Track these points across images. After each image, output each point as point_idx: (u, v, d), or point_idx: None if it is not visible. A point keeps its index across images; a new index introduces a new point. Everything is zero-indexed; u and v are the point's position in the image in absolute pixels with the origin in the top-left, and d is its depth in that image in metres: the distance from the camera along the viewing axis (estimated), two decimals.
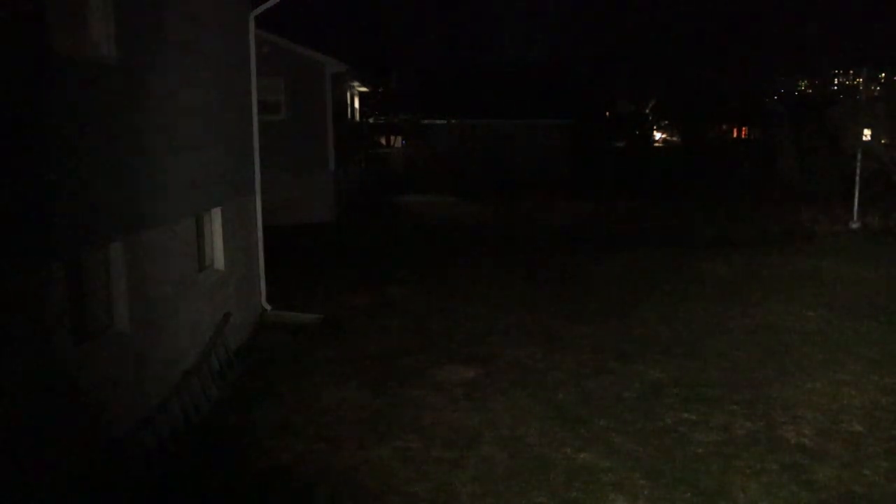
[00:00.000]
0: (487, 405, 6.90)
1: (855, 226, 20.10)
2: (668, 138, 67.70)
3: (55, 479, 4.47)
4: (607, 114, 41.87)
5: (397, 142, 37.89)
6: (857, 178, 21.07)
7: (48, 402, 4.44)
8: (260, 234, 9.81)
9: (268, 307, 9.92)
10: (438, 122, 36.60)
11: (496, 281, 12.29)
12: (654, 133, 68.54)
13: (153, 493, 5.26)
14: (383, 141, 36.08)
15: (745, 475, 5.57)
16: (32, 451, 4.25)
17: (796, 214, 21.62)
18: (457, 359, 8.23)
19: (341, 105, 21.63)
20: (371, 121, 32.15)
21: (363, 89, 26.31)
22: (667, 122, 65.21)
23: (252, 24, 9.28)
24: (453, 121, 35.50)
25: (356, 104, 25.88)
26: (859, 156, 21.79)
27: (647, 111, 62.52)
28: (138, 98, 5.79)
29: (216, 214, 8.24)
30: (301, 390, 7.26)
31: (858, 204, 20.53)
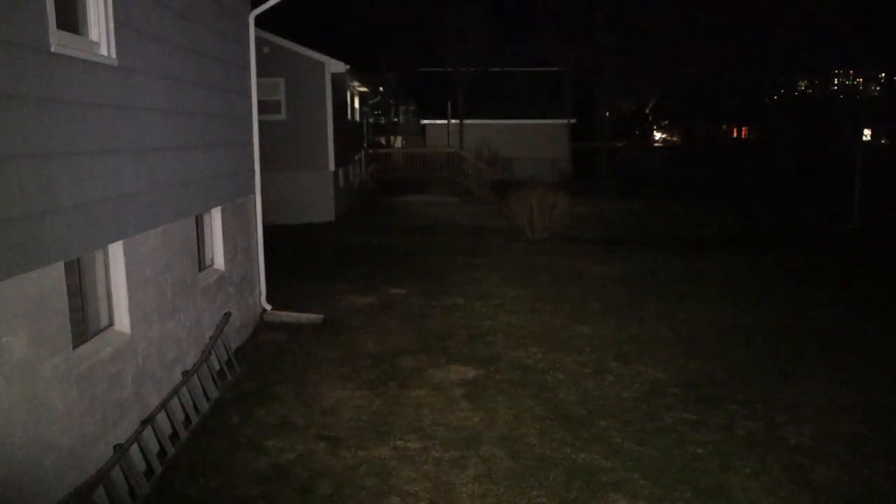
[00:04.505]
0: (487, 405, 6.90)
1: (854, 225, 20.12)
2: (669, 138, 67.85)
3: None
4: (607, 114, 41.86)
5: (397, 142, 37.91)
6: (857, 178, 21.10)
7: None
8: (260, 234, 9.81)
9: (268, 307, 9.92)
10: (438, 121, 36.63)
11: (496, 281, 12.30)
12: (655, 133, 68.73)
13: (154, 493, 5.26)
14: (383, 141, 36.09)
15: (745, 476, 5.58)
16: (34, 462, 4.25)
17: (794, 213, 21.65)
18: (457, 359, 8.24)
19: (341, 105, 21.64)
20: (371, 121, 32.14)
21: (363, 89, 26.31)
22: (667, 122, 65.38)
23: (252, 25, 9.28)
24: (453, 121, 35.52)
25: (356, 104, 25.88)
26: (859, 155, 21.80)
27: (647, 111, 62.65)
28: (137, 98, 5.79)
29: (216, 214, 8.24)
30: (301, 390, 7.27)
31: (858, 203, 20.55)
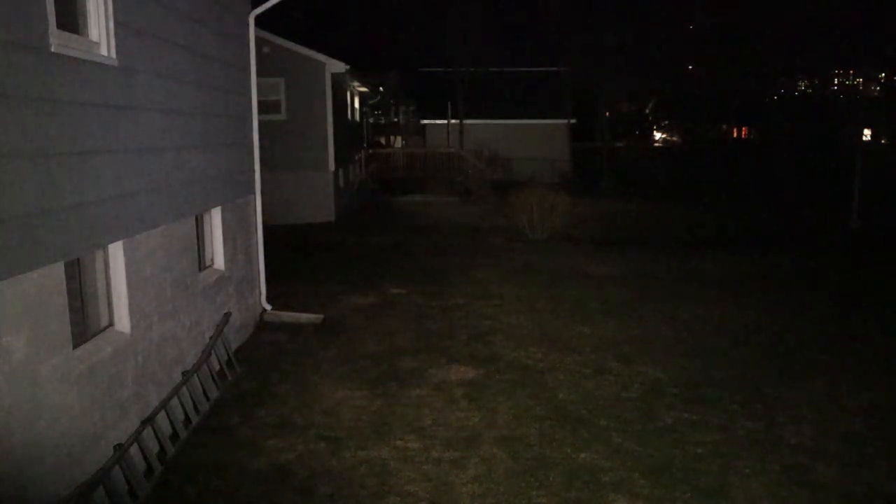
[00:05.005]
0: (487, 405, 6.90)
1: (854, 225, 20.12)
2: (668, 138, 67.85)
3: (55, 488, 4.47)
4: (607, 114, 41.85)
5: (397, 142, 37.90)
6: (857, 178, 21.10)
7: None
8: (260, 234, 9.81)
9: (268, 307, 9.92)
10: (438, 121, 36.61)
11: (496, 281, 12.30)
12: (655, 133, 68.73)
13: (155, 494, 5.26)
14: (383, 141, 36.09)
15: (745, 476, 5.58)
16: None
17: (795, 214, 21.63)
18: (457, 359, 8.24)
19: (341, 105, 21.64)
20: (371, 121, 32.13)
21: (363, 89, 26.30)
22: (667, 122, 65.38)
23: (252, 24, 9.28)
24: (453, 121, 35.51)
25: (356, 104, 25.88)
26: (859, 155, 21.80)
27: (647, 111, 62.64)
28: (137, 98, 5.79)
29: (216, 214, 8.24)
30: (301, 390, 7.27)
31: (858, 204, 20.55)
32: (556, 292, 11.50)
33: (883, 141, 52.52)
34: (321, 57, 19.47)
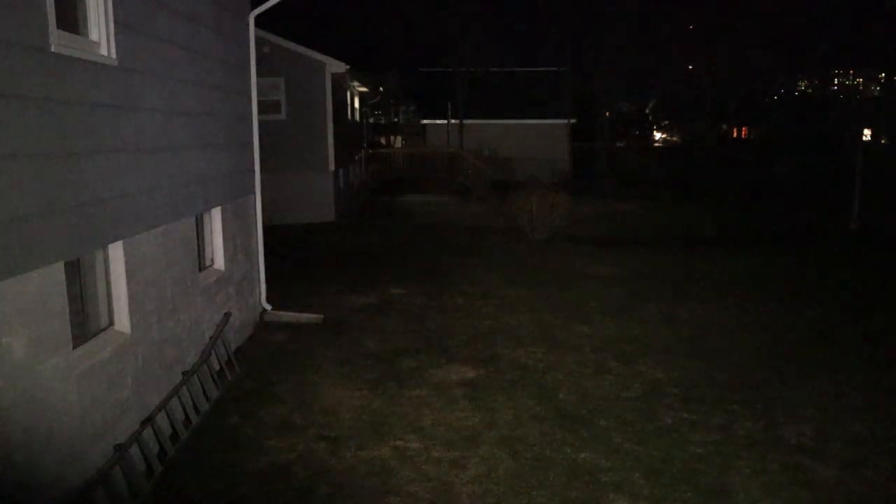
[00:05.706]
0: (487, 405, 6.90)
1: (855, 225, 20.11)
2: (668, 138, 67.83)
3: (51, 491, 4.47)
4: (607, 114, 41.82)
5: (397, 142, 37.94)
6: (858, 178, 21.09)
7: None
8: (260, 234, 9.81)
9: (268, 307, 9.92)
10: (438, 121, 36.63)
11: (496, 281, 12.30)
12: (655, 133, 68.72)
13: (154, 493, 5.26)
14: (383, 141, 36.12)
15: (745, 476, 5.58)
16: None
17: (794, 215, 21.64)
18: (457, 358, 8.24)
19: (341, 105, 21.64)
20: (371, 121, 32.14)
21: (363, 89, 26.32)
22: (667, 122, 65.35)
23: (252, 24, 9.28)
24: (453, 121, 35.51)
25: (356, 104, 25.88)
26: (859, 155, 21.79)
27: (647, 111, 62.63)
28: (137, 98, 5.79)
29: (216, 214, 8.24)
30: (301, 390, 7.27)
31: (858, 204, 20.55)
32: (556, 292, 11.51)
33: (883, 141, 52.49)
34: (321, 57, 19.47)
